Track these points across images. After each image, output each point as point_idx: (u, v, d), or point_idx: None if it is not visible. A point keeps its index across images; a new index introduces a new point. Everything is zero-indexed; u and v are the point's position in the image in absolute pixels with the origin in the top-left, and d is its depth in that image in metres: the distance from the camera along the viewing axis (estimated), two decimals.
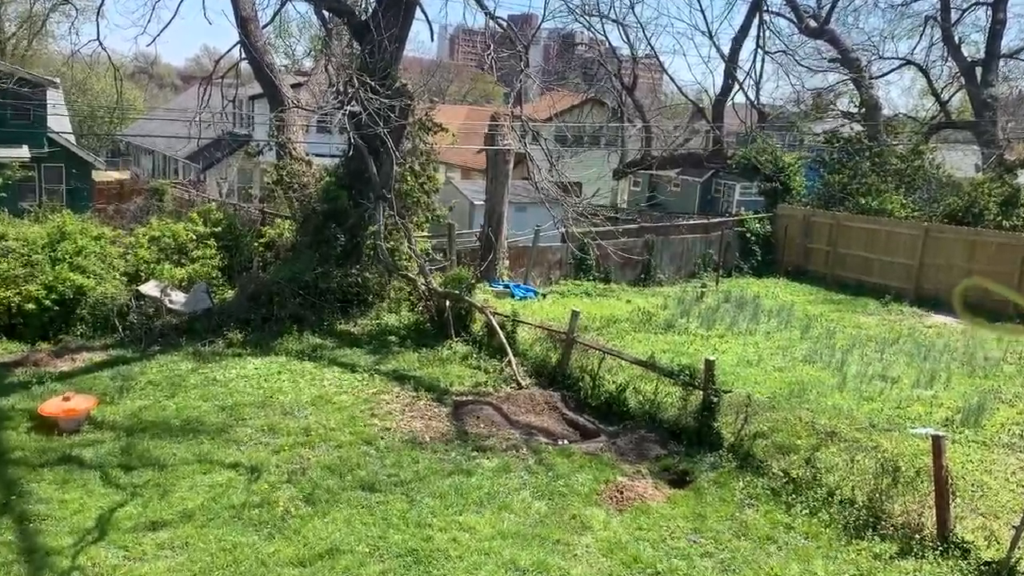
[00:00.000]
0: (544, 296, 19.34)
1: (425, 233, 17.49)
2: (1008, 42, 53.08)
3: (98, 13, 16.19)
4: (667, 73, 36.27)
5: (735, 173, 28.77)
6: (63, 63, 35.66)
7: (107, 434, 9.88)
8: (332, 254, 15.20)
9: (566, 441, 10.54)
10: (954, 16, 29.60)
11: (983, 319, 17.17)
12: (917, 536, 8.07)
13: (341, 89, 13.78)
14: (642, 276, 23.06)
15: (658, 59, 36.10)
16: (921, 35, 33.36)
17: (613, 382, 11.74)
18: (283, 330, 14.04)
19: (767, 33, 30.08)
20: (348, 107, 13.01)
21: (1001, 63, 29.45)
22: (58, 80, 29.78)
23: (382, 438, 10.20)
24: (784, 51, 30.94)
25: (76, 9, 39.63)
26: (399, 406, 11.34)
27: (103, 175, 32.44)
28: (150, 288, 14.23)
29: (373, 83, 13.24)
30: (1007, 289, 18.47)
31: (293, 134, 17.78)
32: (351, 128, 13.80)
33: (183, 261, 15.48)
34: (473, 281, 15.06)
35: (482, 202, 21.17)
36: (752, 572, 7.60)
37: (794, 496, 8.89)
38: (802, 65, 31.29)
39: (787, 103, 33.93)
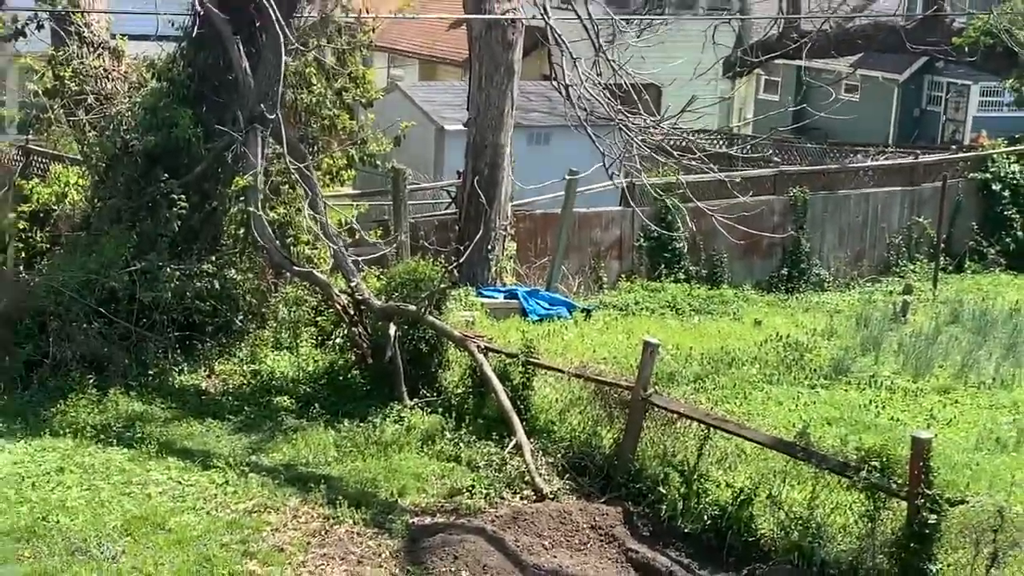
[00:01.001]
0: (588, 313, 19.67)
1: (348, 190, 17.64)
2: None
3: None
4: None
5: (968, 63, 28.98)
6: None
7: None
8: (164, 234, 15.35)
9: None
10: None
11: None
12: None
13: None
14: (783, 271, 23.40)
15: None
16: None
17: (728, 484, 11.97)
18: (67, 385, 14.17)
19: None
20: None
21: None
22: None
23: None
24: None
25: None
26: (299, 536, 11.44)
27: None
28: None
29: None
30: None
31: None
32: None
33: None
34: (445, 285, 15.15)
35: (461, 127, 21.49)
36: None
37: None
38: None
39: None
